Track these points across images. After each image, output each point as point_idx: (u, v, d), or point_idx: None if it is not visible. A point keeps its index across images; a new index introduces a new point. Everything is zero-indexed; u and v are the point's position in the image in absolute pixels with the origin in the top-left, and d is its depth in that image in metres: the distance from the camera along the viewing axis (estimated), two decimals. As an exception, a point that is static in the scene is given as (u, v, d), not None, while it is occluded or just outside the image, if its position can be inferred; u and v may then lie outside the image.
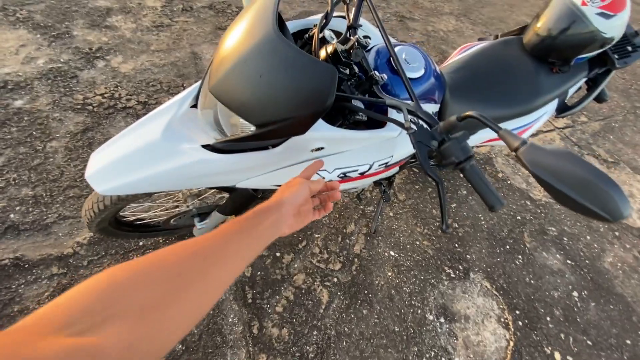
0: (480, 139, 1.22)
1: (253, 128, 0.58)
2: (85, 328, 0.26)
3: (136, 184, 0.67)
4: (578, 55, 1.10)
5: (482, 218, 1.82)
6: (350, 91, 0.69)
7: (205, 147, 0.66)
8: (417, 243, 1.65)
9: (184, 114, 0.69)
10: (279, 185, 0.77)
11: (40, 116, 1.69)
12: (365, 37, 0.83)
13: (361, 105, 0.67)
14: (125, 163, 0.67)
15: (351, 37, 0.67)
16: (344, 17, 0.81)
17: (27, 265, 1.24)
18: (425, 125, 0.60)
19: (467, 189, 1.94)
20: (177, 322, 0.33)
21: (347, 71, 0.67)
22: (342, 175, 0.77)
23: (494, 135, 1.23)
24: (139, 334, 0.29)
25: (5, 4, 2.18)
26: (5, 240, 1.28)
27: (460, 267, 1.61)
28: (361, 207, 1.71)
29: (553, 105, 1.20)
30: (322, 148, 0.68)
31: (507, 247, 1.73)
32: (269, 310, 1.32)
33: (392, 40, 0.91)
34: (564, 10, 1.03)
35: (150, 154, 0.66)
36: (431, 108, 0.86)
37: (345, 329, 1.33)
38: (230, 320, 1.27)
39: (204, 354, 1.19)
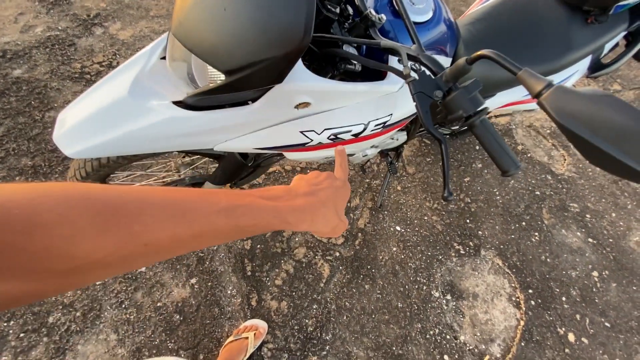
0: (499, 103, 1.10)
1: (223, 77, 0.50)
2: None
3: (105, 145, 0.62)
4: (618, 3, 0.94)
5: (497, 193, 1.71)
6: (342, 34, 0.59)
7: (177, 104, 0.59)
8: (426, 218, 1.57)
9: (153, 66, 0.61)
10: (262, 148, 0.69)
11: (39, 85, 1.65)
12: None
13: (354, 52, 0.57)
14: (91, 123, 0.61)
15: None
16: None
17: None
18: (428, 73, 0.51)
19: (483, 161, 1.82)
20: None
21: (338, 10, 0.57)
22: (332, 136, 0.69)
23: (515, 97, 1.09)
24: None
25: (1, -31, 2.11)
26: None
27: (470, 243, 1.52)
28: (367, 180, 1.63)
29: (586, 62, 1.05)
30: (308, 104, 0.60)
31: (523, 223, 1.62)
32: (268, 283, 1.29)
33: None
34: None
35: (117, 113, 0.60)
36: (441, 61, 0.75)
37: (346, 303, 1.30)
38: (229, 292, 1.25)
39: (201, 325, 1.18)
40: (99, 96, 0.62)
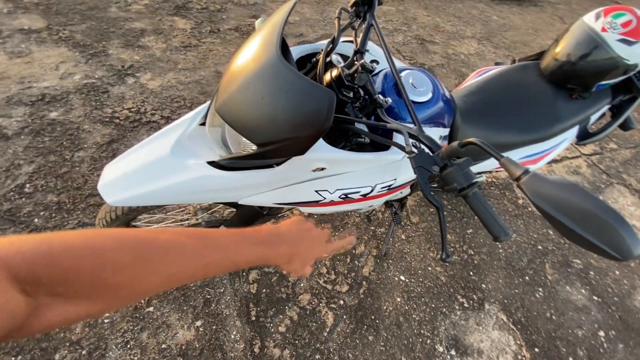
0: (492, 166, 1.19)
1: (255, 147, 0.59)
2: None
3: (144, 196, 0.70)
4: (600, 82, 1.06)
5: (499, 245, 1.74)
6: (355, 114, 0.69)
7: (211, 163, 0.68)
8: (429, 269, 1.60)
9: (193, 131, 0.71)
10: (281, 204, 0.77)
11: (72, 127, 1.80)
12: (373, 61, 0.84)
13: (365, 128, 0.67)
14: (135, 176, 0.70)
15: (356, 62, 0.69)
16: (352, 42, 0.83)
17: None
18: (427, 150, 0.60)
19: (484, 214, 1.87)
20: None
21: (351, 94, 0.68)
22: (343, 196, 0.77)
23: (515, 158, 1.20)
24: (73, 315, 0.30)
25: (50, 24, 2.39)
26: (28, 244, 1.35)
27: (474, 296, 1.53)
28: (372, 227, 1.68)
29: (573, 131, 1.16)
30: (323, 169, 0.68)
31: (527, 278, 1.63)
32: (272, 330, 1.30)
33: (401, 65, 0.92)
34: (584, 36, 1.01)
35: (158, 168, 0.69)
36: (440, 132, 0.85)
37: (349, 354, 1.29)
38: (232, 337, 1.26)
39: (203, 370, 1.18)
40: (143, 153, 0.72)
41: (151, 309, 1.27)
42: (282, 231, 0.50)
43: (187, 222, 1.15)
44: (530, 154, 1.20)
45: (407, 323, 1.40)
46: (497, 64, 1.32)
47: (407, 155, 0.58)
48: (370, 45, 0.88)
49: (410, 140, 0.61)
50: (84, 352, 1.14)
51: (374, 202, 0.87)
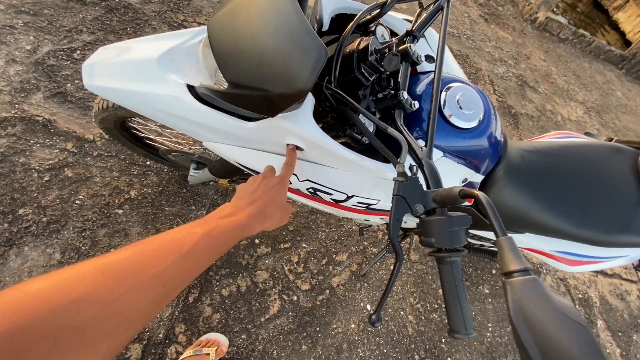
0: (525, 244, 0.97)
1: (227, 85, 0.48)
2: None
3: (116, 92, 0.63)
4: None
5: (490, 329, 1.52)
6: (367, 102, 0.55)
7: (191, 88, 0.59)
8: (402, 313, 1.43)
9: (191, 46, 0.62)
10: (245, 166, 0.67)
11: (142, 19, 1.82)
12: (429, 57, 0.68)
13: (369, 124, 0.53)
14: (115, 68, 0.64)
15: (391, 40, 0.54)
16: (411, 22, 0.67)
17: (52, 130, 1.33)
18: (422, 182, 0.45)
19: (493, 290, 1.63)
20: None
21: (372, 77, 0.53)
22: (311, 190, 0.64)
23: (545, 248, 0.96)
24: None
25: None
26: (51, 102, 1.40)
27: (433, 365, 1.35)
28: (364, 243, 1.54)
29: (639, 251, 0.90)
30: (301, 149, 0.56)
31: (502, 377, 1.41)
32: (215, 288, 1.24)
33: (459, 76, 0.74)
34: None
35: (139, 71, 0.61)
36: (466, 174, 0.68)
37: (275, 351, 1.20)
38: (177, 275, 1.22)
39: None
40: (136, 49, 0.64)
41: (120, 211, 1.27)
42: (235, 202, 0.50)
43: (180, 147, 1.10)
44: (575, 253, 0.97)
45: (348, 353, 1.27)
46: (587, 134, 1.06)
47: (394, 178, 0.44)
48: (434, 36, 0.71)
49: (410, 162, 0.47)
50: (44, 219, 1.16)
51: (347, 213, 0.73)
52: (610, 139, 1.03)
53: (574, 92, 3.19)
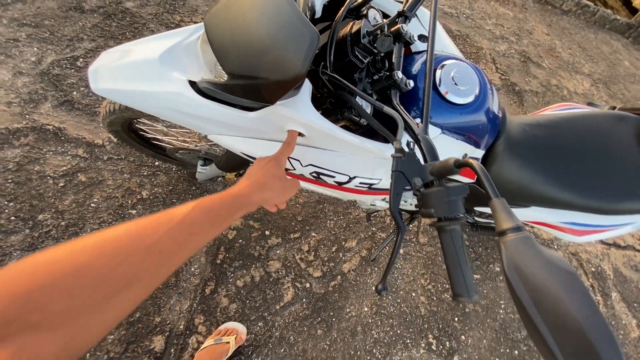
0: (530, 217, 0.98)
1: (226, 77, 0.50)
2: None
3: (121, 93, 0.66)
4: None
5: (502, 305, 1.53)
6: (363, 85, 0.57)
7: (192, 84, 0.61)
8: (414, 294, 1.45)
9: (190, 43, 0.64)
10: (249, 156, 0.69)
11: (139, 22, 1.84)
12: (422, 36, 0.69)
13: (366, 106, 0.55)
14: (119, 70, 0.66)
15: (383, 21, 0.55)
16: (401, 2, 0.67)
17: (63, 138, 1.38)
18: (419, 156, 0.46)
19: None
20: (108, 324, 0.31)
21: (367, 60, 0.55)
22: (315, 174, 0.66)
23: (550, 219, 0.97)
24: (61, 345, 0.26)
25: None
26: (60, 110, 1.44)
27: (447, 343, 1.37)
28: (373, 229, 1.56)
29: (647, 218, 0.90)
30: (302, 135, 0.58)
31: (516, 352, 1.43)
32: (230, 280, 1.28)
33: (454, 52, 0.75)
34: None
35: (141, 71, 0.64)
36: (465, 149, 0.69)
37: (291, 337, 1.24)
38: (192, 269, 1.27)
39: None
40: (137, 51, 0.67)
41: (134, 212, 1.31)
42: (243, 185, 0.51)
43: (186, 144, 1.13)
44: (581, 223, 0.97)
45: (362, 335, 1.30)
46: (589, 104, 1.05)
47: (392, 154, 0.46)
48: (426, 15, 0.72)
49: (406, 139, 0.48)
50: (62, 223, 1.21)
51: (350, 195, 0.75)
52: (613, 108, 1.02)
53: (579, 65, 3.13)
